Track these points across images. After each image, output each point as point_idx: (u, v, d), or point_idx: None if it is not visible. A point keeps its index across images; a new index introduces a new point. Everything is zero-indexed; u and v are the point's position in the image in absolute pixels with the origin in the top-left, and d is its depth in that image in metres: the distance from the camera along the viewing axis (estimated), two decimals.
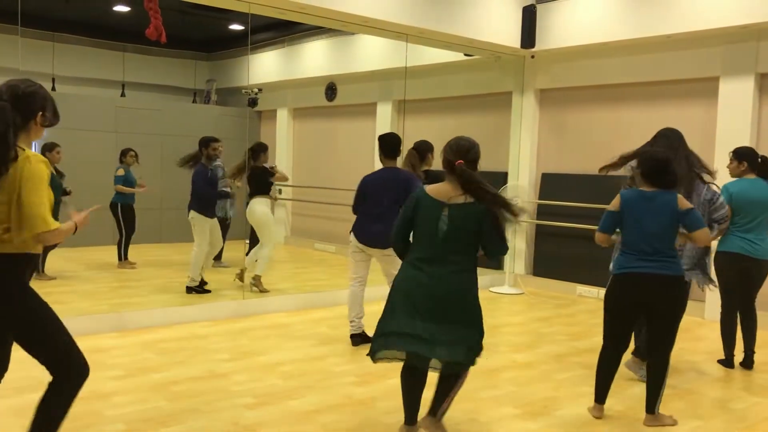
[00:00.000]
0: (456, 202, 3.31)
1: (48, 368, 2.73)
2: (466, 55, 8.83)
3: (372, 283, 5.76)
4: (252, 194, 7.63)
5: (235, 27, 10.73)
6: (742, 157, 5.11)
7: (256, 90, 11.12)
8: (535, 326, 6.60)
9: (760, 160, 5.12)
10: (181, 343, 5.52)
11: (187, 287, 7.31)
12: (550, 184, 8.69)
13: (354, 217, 5.63)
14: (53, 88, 9.73)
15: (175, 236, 9.81)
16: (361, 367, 4.97)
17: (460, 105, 9.66)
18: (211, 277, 7.59)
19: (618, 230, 4.04)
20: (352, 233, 5.57)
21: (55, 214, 2.68)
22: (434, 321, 3.29)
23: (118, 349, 5.28)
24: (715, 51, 7.10)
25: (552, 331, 6.37)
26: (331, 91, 11.26)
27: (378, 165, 5.78)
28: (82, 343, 2.87)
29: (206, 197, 7.35)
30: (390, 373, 4.84)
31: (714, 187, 4.72)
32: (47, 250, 8.45)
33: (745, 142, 6.52)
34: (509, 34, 8.17)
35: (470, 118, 9.49)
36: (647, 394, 3.98)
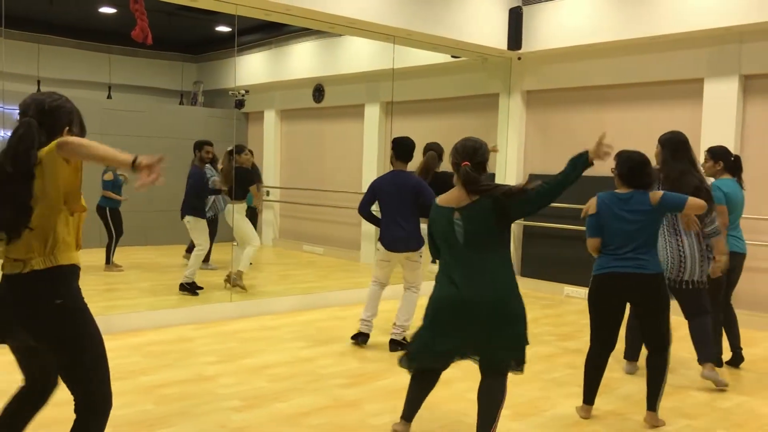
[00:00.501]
0: (464, 203, 3.25)
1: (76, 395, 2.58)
2: (453, 56, 8.85)
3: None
4: (234, 198, 7.67)
5: (222, 28, 10.70)
6: (719, 156, 5.15)
7: (243, 92, 11.09)
8: None
9: (733, 159, 5.18)
10: (169, 346, 5.49)
11: (181, 284, 7.34)
12: None
13: (356, 220, 5.66)
14: (38, 91, 9.66)
15: (162, 239, 9.77)
16: (350, 369, 4.97)
17: (448, 106, 9.68)
18: (199, 279, 7.55)
19: None
20: (379, 242, 5.68)
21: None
22: (491, 328, 3.21)
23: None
24: (699, 53, 7.16)
25: (540, 331, 6.39)
26: (318, 92, 11.25)
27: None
28: None
29: (201, 198, 7.48)
30: (379, 375, 4.85)
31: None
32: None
33: (730, 143, 6.59)
34: (496, 36, 8.20)
35: (458, 119, 9.51)
36: (648, 391, 3.99)
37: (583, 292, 7.92)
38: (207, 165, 7.75)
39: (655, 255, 3.94)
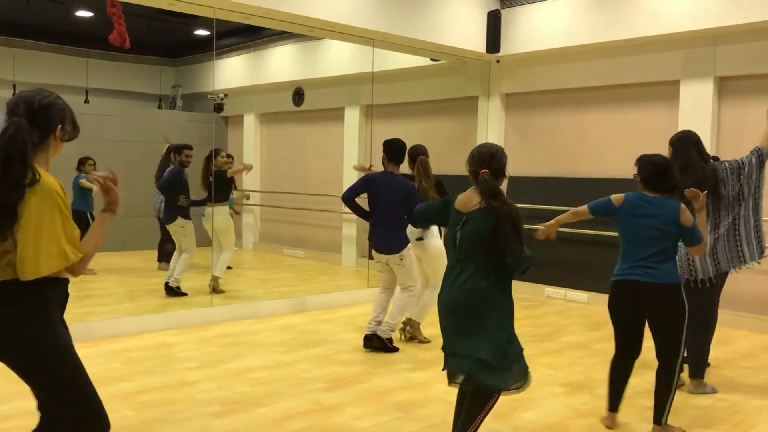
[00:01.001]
0: (473, 209, 3.21)
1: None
2: (432, 60, 8.89)
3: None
4: (214, 200, 7.63)
5: (201, 32, 10.64)
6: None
7: (222, 95, 11.05)
8: None
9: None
10: (148, 352, 5.45)
11: (168, 286, 7.33)
12: (517, 187, 8.75)
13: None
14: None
15: (138, 244, 9.68)
16: (331, 373, 4.96)
17: (427, 109, 9.71)
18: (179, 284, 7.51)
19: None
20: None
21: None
22: (456, 333, 3.23)
23: (83, 360, 5.17)
24: (675, 55, 7.25)
25: (520, 332, 6.33)
26: (298, 96, 11.23)
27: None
28: None
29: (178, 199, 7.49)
30: (361, 379, 4.84)
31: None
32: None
33: (706, 144, 6.62)
34: (475, 39, 8.24)
35: (437, 122, 9.54)
36: (655, 405, 3.87)
37: (563, 292, 7.99)
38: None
39: (673, 265, 3.79)
